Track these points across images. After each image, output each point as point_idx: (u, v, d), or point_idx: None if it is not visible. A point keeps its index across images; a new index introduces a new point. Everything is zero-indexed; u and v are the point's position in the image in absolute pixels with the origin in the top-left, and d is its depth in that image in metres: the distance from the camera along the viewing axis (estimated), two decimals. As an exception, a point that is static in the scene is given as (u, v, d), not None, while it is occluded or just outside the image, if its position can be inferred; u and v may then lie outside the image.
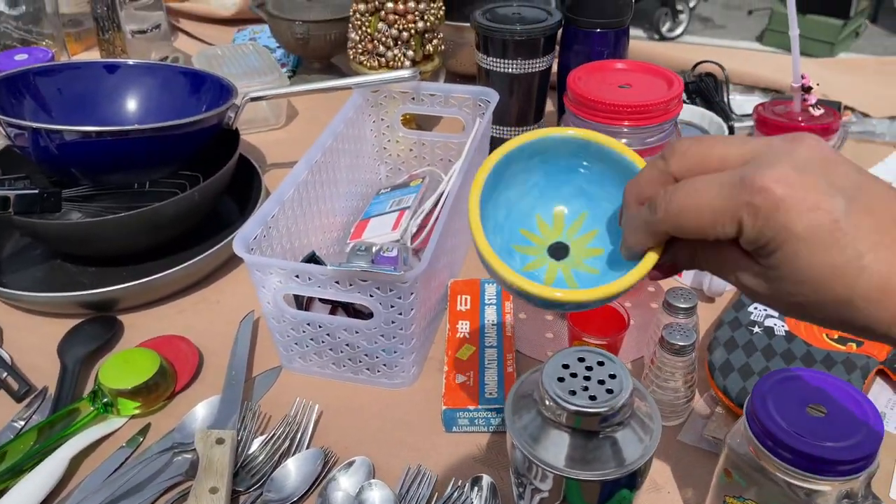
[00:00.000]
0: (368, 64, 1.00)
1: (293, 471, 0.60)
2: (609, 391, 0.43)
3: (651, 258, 0.38)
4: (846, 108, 1.08)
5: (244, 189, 0.90)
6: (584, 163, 0.43)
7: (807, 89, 0.85)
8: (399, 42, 0.97)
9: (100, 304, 0.76)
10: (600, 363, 0.45)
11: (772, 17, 3.88)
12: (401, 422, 0.65)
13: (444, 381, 0.65)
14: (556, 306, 0.40)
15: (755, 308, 0.70)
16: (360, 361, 0.67)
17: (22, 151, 0.79)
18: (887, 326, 0.32)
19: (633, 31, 0.95)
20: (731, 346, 0.66)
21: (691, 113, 0.99)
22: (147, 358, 0.67)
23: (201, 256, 0.78)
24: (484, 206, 0.41)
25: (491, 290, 0.74)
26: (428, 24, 0.97)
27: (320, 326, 0.65)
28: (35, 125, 0.75)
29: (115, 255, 0.82)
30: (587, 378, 0.44)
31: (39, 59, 1.07)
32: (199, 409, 0.66)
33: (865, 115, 1.08)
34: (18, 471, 0.60)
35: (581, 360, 0.45)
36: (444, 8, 1.00)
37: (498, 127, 0.94)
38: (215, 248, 0.79)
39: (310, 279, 0.61)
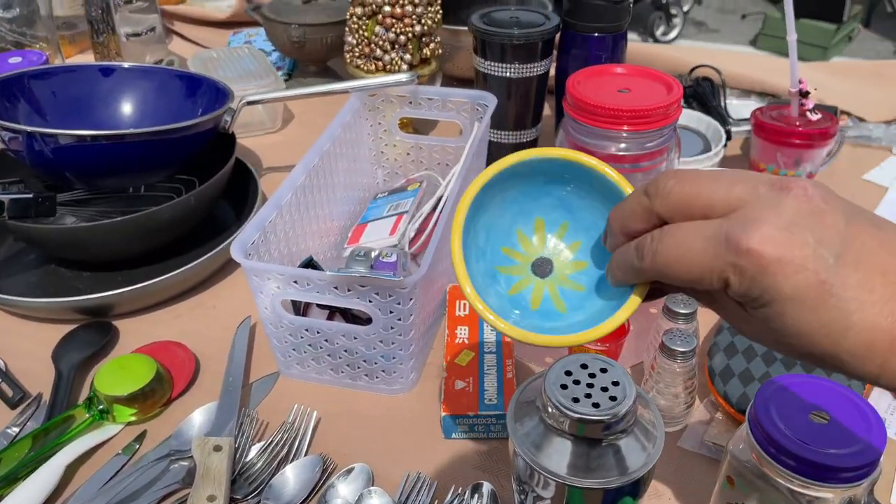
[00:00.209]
0: (365, 68, 1.00)
1: (291, 478, 0.59)
2: (612, 398, 0.43)
3: (637, 298, 0.38)
4: (842, 112, 1.08)
5: (240, 193, 0.90)
6: (563, 177, 0.43)
7: (804, 94, 0.86)
8: (396, 46, 0.97)
9: (95, 310, 0.76)
10: (603, 370, 0.45)
11: (765, 21, 3.90)
12: (400, 428, 0.65)
13: (443, 388, 0.65)
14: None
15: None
16: (358, 367, 0.67)
17: (16, 155, 0.78)
18: (875, 377, 0.32)
19: (628, 35, 0.94)
20: (731, 351, 0.66)
21: (688, 117, 0.99)
22: (143, 364, 0.67)
23: (197, 261, 0.77)
24: (465, 236, 0.41)
25: (489, 295, 0.74)
26: (425, 27, 0.97)
27: (318, 332, 0.65)
28: (29, 129, 0.74)
29: (111, 260, 0.81)
30: (590, 385, 0.44)
31: (33, 62, 1.06)
32: (196, 416, 0.65)
33: (861, 120, 1.09)
34: (13, 479, 0.59)
35: (584, 366, 0.45)
36: (441, 12, 0.99)
37: (496, 131, 0.94)
38: (211, 252, 0.78)
39: (308, 285, 0.61)
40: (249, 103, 0.89)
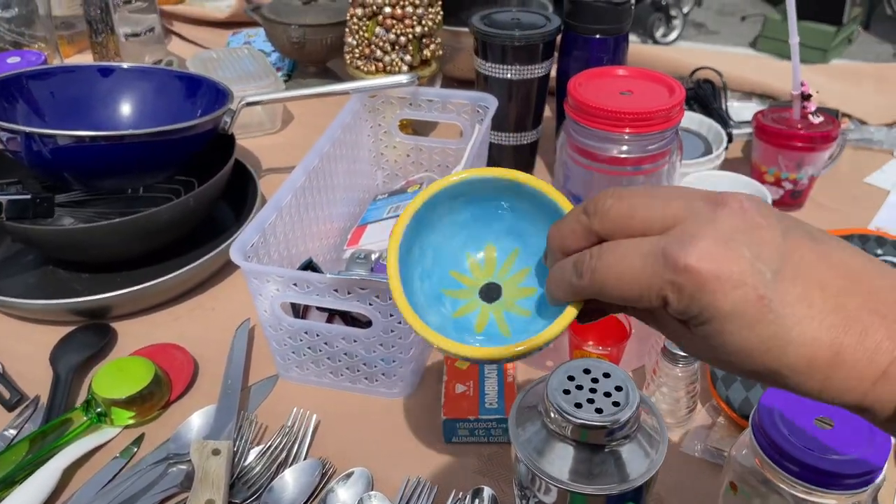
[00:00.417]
0: (366, 69, 0.99)
1: (291, 482, 0.59)
2: (615, 404, 0.43)
3: (571, 313, 0.37)
4: (844, 115, 1.07)
5: (239, 194, 0.90)
6: (509, 202, 0.42)
7: (806, 97, 0.85)
8: (397, 47, 0.97)
9: (93, 312, 0.75)
10: (606, 375, 0.44)
11: (765, 23, 3.90)
12: (400, 432, 0.65)
13: (443, 391, 0.64)
14: (473, 361, 0.39)
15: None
16: (358, 370, 0.66)
17: (14, 156, 0.77)
18: (817, 393, 0.32)
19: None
20: (733, 355, 0.66)
21: (690, 120, 0.99)
22: (141, 366, 0.66)
23: (196, 263, 0.77)
24: (408, 255, 0.40)
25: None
26: (426, 28, 0.96)
27: (318, 335, 0.64)
28: (28, 129, 0.74)
29: (109, 262, 0.81)
30: (593, 390, 0.44)
31: (32, 62, 1.05)
32: (195, 419, 0.65)
33: (863, 123, 1.08)
34: (10, 482, 0.59)
35: (587, 371, 0.45)
36: (441, 13, 0.99)
37: (496, 133, 0.93)
38: (210, 254, 0.78)
39: (308, 287, 0.60)
40: (249, 104, 0.88)
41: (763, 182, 0.87)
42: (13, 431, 0.65)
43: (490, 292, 0.42)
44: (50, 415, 0.65)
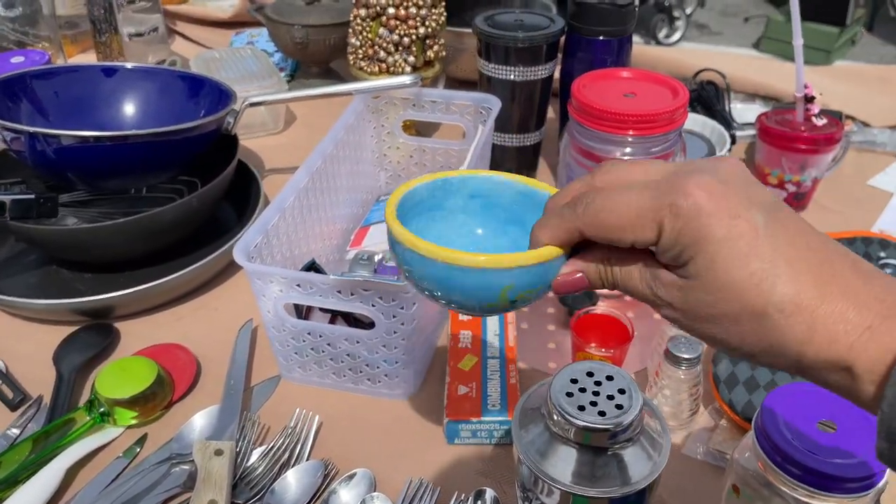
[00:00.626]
0: (369, 69, 0.99)
1: (293, 483, 0.59)
2: (619, 407, 0.43)
3: (554, 249, 0.37)
4: (847, 117, 1.07)
5: (242, 195, 0.90)
6: (529, 214, 0.41)
7: (810, 99, 0.85)
8: (400, 48, 0.97)
9: (96, 312, 0.75)
10: (609, 378, 0.44)
11: (768, 24, 3.89)
12: (402, 433, 0.65)
13: (446, 393, 0.64)
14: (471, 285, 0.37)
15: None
16: (360, 371, 0.66)
17: (18, 156, 0.78)
18: (798, 344, 0.32)
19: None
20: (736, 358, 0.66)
21: (693, 121, 0.99)
22: (144, 366, 0.66)
23: (199, 263, 0.77)
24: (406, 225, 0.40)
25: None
26: (429, 29, 0.96)
27: (321, 336, 0.64)
28: (32, 129, 0.74)
29: (112, 262, 0.81)
30: (596, 393, 0.44)
31: (36, 62, 1.06)
32: (197, 419, 0.65)
33: (866, 125, 1.08)
34: (13, 482, 0.59)
35: (590, 374, 0.45)
36: (445, 14, 0.99)
37: (499, 134, 0.93)
38: (214, 254, 0.78)
39: (311, 288, 0.60)
40: (253, 104, 0.88)
41: (766, 184, 0.87)
42: (16, 431, 0.65)
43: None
44: (53, 415, 0.65)
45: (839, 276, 0.32)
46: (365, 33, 0.97)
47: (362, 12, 0.96)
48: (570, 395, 0.44)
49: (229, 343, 0.72)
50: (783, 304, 0.32)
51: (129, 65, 0.93)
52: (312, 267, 0.70)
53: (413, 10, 0.94)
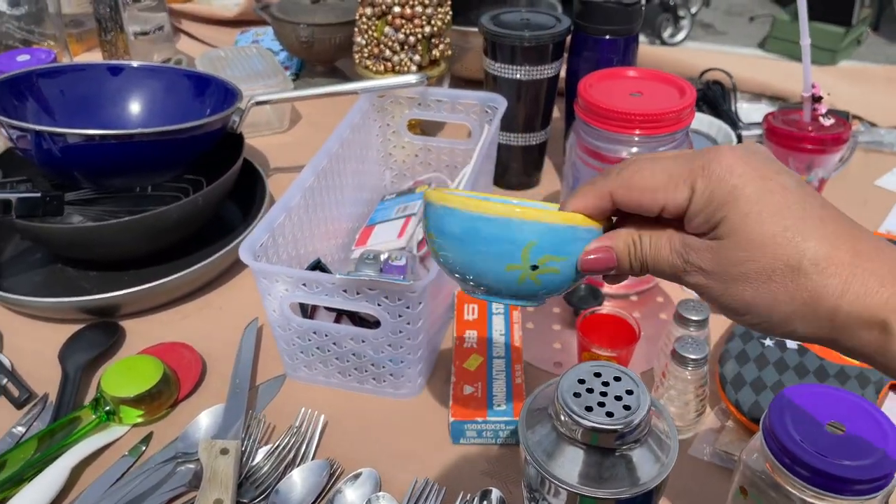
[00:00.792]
0: (374, 68, 0.99)
1: (298, 482, 0.59)
2: (626, 407, 0.43)
3: (581, 217, 0.37)
4: (854, 117, 1.07)
5: (248, 193, 0.90)
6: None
7: (817, 99, 0.85)
8: (406, 47, 0.96)
9: (101, 310, 0.75)
10: (617, 378, 0.44)
11: (774, 23, 3.88)
12: (407, 433, 0.64)
13: (451, 392, 0.64)
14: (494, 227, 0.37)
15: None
16: (366, 371, 0.66)
17: (24, 154, 0.78)
18: (833, 298, 0.32)
19: (637, 38, 0.94)
20: (743, 358, 0.66)
21: (699, 121, 0.98)
22: (150, 365, 0.66)
23: (205, 262, 0.77)
24: None
25: (498, 299, 0.73)
26: (435, 28, 0.96)
27: (326, 335, 0.64)
28: (38, 128, 0.74)
29: (118, 260, 0.81)
30: (604, 394, 0.43)
31: (42, 60, 1.06)
32: (203, 418, 0.65)
33: (873, 125, 1.08)
34: (18, 480, 0.59)
35: (597, 375, 0.44)
36: (450, 13, 0.99)
37: (505, 133, 0.93)
38: (219, 253, 0.78)
39: (317, 287, 0.60)
40: (259, 103, 0.88)
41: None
42: (22, 429, 0.65)
43: None
44: (58, 413, 0.65)
45: (869, 239, 0.33)
46: (370, 32, 0.97)
47: (368, 11, 0.96)
48: (577, 395, 0.43)
49: (235, 342, 0.72)
50: (817, 258, 0.32)
51: (134, 63, 0.93)
52: (318, 266, 0.70)
53: (419, 8, 0.94)
